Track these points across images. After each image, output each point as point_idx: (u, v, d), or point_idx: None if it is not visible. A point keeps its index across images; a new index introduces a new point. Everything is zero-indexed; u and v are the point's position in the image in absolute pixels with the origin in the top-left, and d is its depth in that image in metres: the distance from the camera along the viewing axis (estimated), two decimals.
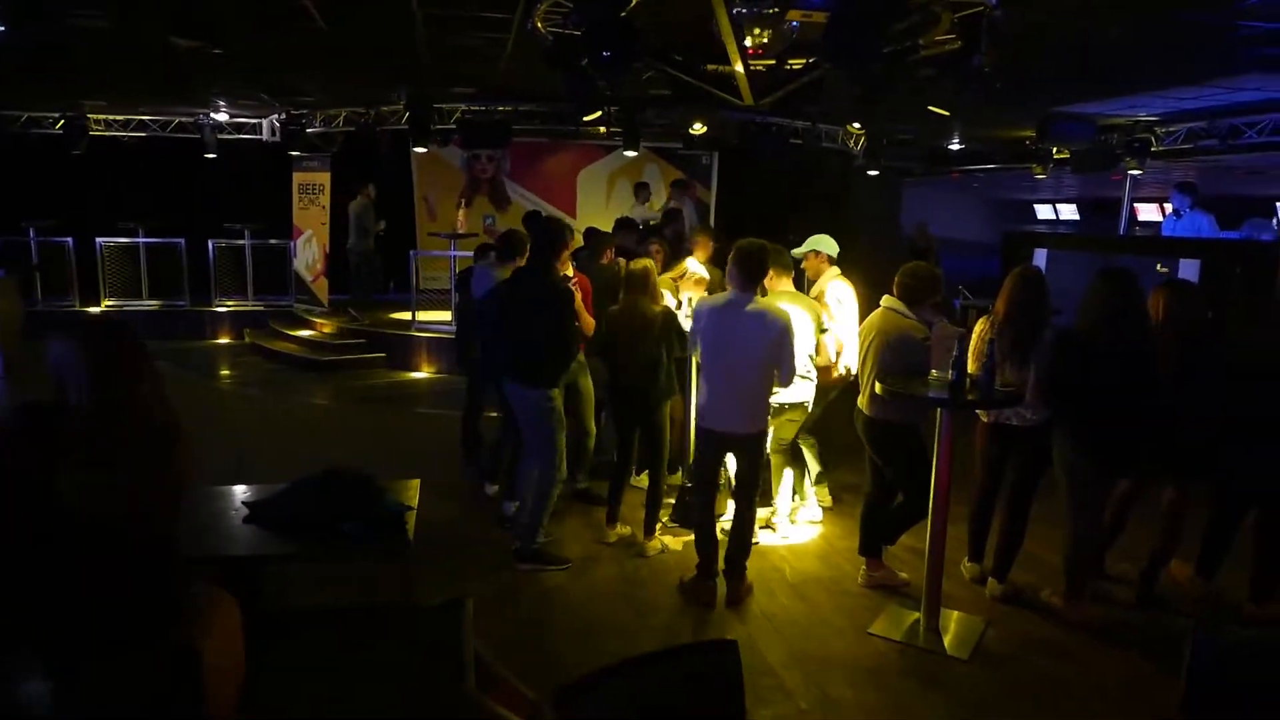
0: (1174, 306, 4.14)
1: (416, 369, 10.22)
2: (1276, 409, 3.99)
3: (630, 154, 11.39)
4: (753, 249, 4.26)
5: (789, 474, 5.20)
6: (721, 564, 4.44)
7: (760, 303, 4.25)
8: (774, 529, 5.23)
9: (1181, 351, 4.06)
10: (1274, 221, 10.39)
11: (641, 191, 11.14)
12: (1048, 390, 4.07)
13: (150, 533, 2.23)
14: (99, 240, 12.16)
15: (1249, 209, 11.32)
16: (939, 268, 7.02)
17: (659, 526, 5.08)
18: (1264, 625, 4.07)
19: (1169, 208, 9.89)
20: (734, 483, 4.56)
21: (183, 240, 12.28)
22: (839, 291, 5.21)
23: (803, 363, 4.73)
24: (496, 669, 2.64)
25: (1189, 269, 7.20)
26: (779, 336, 4.15)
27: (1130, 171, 9.94)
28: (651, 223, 8.52)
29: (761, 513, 5.07)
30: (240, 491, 3.68)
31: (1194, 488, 4.35)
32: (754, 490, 4.45)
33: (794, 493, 5.32)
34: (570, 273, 5.16)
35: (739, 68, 5.21)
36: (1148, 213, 15.82)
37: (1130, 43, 5.99)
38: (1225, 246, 7.79)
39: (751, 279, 4.24)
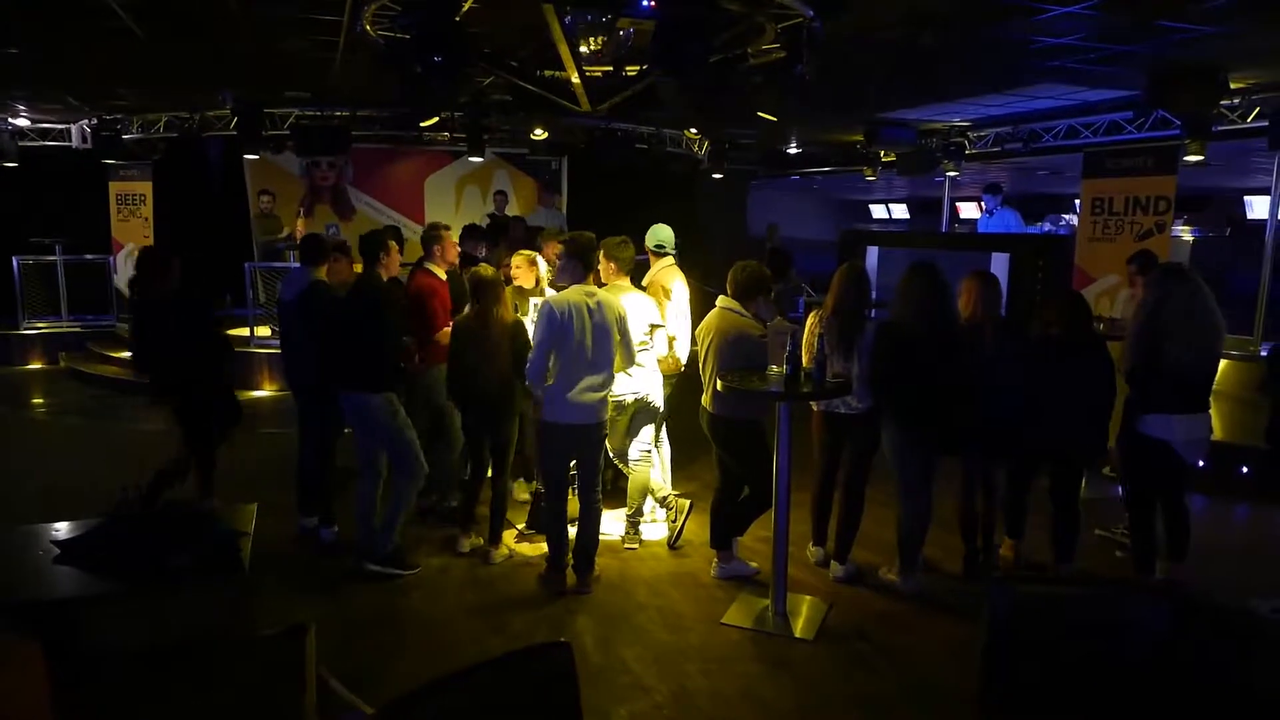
0: (982, 294, 4.51)
1: (257, 387, 9.69)
2: (1063, 384, 4.38)
3: (476, 160, 11.26)
4: (580, 239, 4.56)
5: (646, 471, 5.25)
6: (571, 557, 4.58)
7: (599, 292, 4.49)
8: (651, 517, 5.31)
9: (991, 334, 4.42)
10: (1072, 217, 11.44)
11: (499, 199, 11.73)
12: (869, 378, 4.34)
13: None
14: None
15: (1050, 206, 12.45)
16: (791, 268, 7.33)
17: (515, 533, 5.05)
18: (1067, 582, 4.49)
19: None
20: (577, 480, 4.64)
21: None
22: (676, 287, 5.29)
23: (653, 350, 4.96)
24: (339, 692, 2.55)
25: (1000, 262, 7.83)
26: (619, 321, 4.44)
27: (948, 173, 10.69)
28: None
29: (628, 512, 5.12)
30: (53, 529, 3.39)
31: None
32: (597, 483, 4.61)
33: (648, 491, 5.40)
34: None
35: (574, 74, 5.25)
36: (968, 211, 17.04)
37: (941, 53, 6.44)
38: (1030, 240, 8.51)
39: (586, 268, 4.49)
